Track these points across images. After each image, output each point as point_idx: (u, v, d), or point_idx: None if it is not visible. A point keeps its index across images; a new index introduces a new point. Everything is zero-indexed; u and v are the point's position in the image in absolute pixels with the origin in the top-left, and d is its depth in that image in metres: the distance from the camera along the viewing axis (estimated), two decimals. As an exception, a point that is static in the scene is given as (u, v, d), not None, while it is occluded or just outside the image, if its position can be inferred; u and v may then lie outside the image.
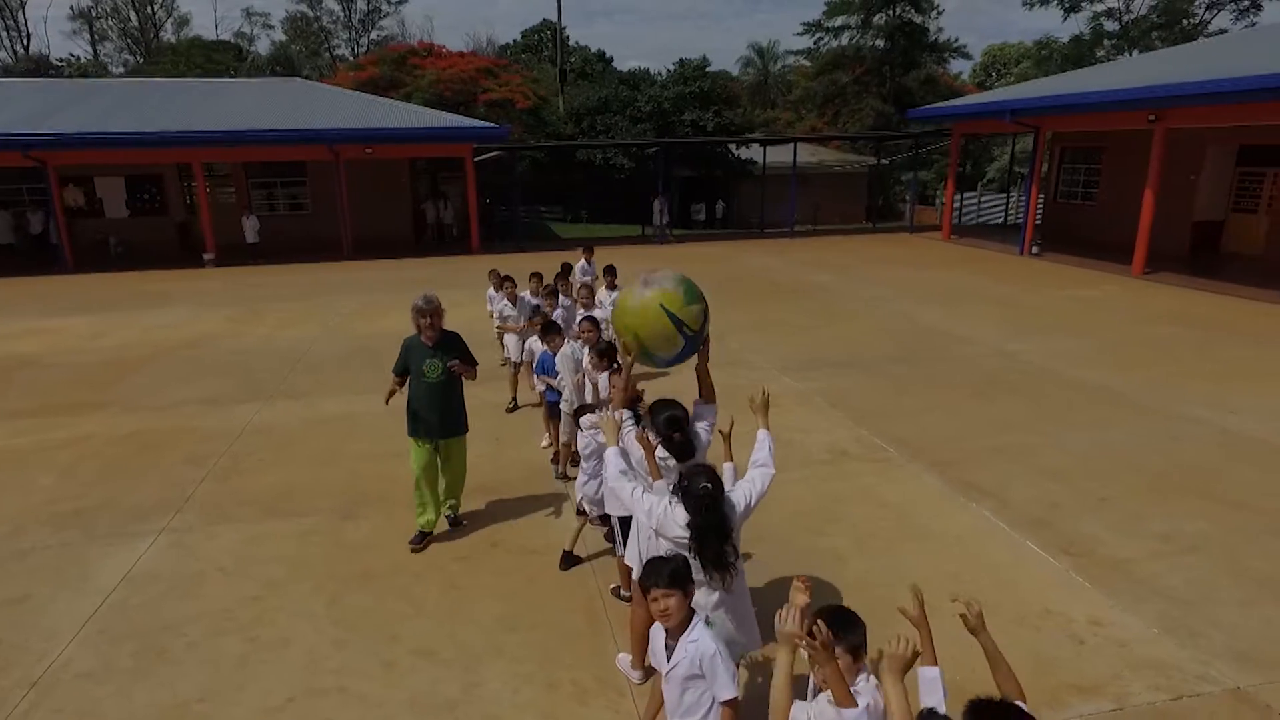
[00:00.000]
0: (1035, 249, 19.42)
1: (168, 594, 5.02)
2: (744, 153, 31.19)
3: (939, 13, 36.40)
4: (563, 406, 6.45)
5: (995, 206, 31.77)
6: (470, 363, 5.63)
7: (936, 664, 2.33)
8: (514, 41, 50.88)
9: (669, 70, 31.87)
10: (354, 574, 5.23)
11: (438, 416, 5.52)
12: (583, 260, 11.11)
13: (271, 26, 70.47)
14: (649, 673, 4.14)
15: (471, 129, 20.65)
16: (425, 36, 55.86)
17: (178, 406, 8.86)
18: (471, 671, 4.21)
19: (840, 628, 2.42)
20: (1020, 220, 27.37)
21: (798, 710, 2.44)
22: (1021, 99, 19.33)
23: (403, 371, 5.63)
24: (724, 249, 22.26)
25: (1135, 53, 34.18)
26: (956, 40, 38.99)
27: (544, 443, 7.42)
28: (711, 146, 29.41)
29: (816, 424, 8.01)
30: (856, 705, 2.27)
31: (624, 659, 4.24)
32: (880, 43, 36.57)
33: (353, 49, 57.73)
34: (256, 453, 7.38)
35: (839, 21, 37.12)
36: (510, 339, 8.61)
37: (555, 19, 38.19)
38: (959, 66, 44.63)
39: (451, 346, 5.55)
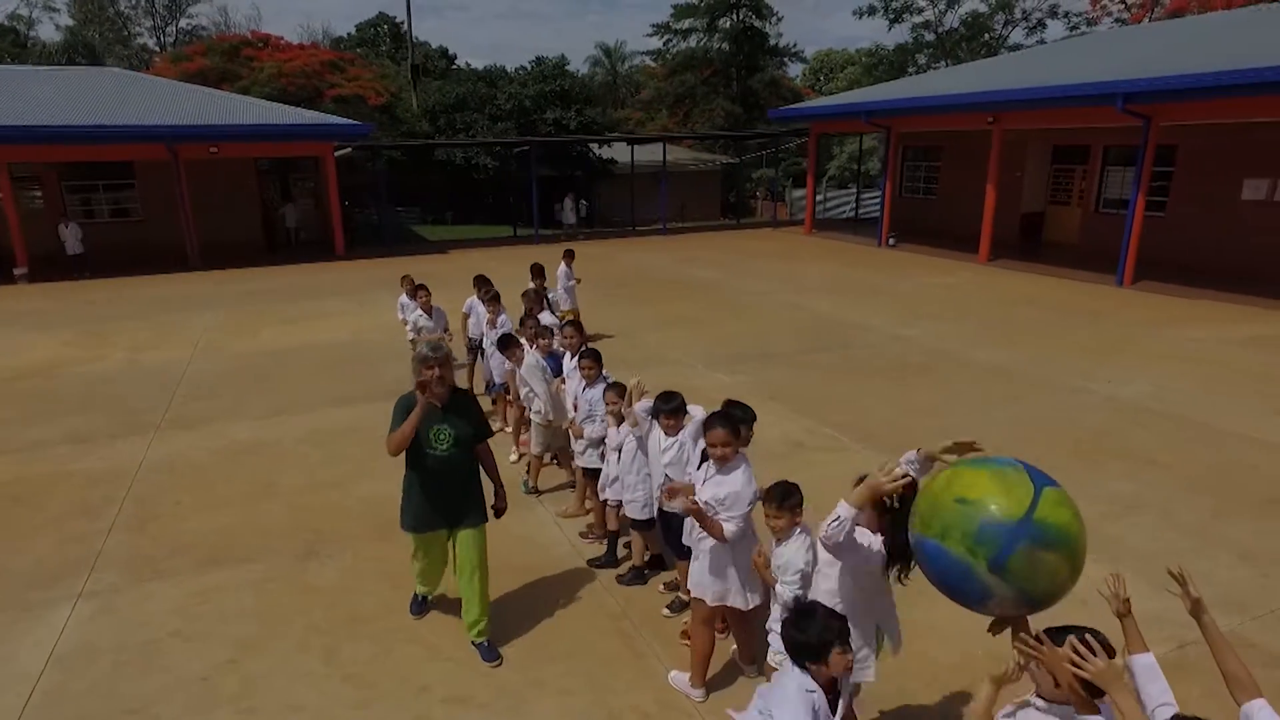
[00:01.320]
0: (892, 241, 20.92)
1: (119, 670, 4.26)
2: (605, 152, 31.32)
3: (778, 19, 38.35)
4: (534, 418, 6.13)
5: (839, 202, 33.92)
6: (487, 433, 4.38)
7: (1148, 649, 2.35)
8: (348, 35, 48.11)
9: (525, 68, 31.34)
10: (341, 621, 4.69)
11: (451, 500, 4.22)
12: (562, 265, 10.66)
13: (56, 9, 62.34)
14: (709, 689, 4.02)
15: (333, 126, 19.21)
16: (253, 26, 51.48)
17: (41, 448, 7.58)
18: (521, 713, 3.89)
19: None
20: (868, 215, 29.51)
21: None
22: (876, 101, 20.73)
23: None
24: (601, 247, 22.20)
25: (947, 62, 37.71)
26: (795, 45, 41.29)
27: (512, 457, 7.02)
28: (572, 146, 29.25)
29: (761, 417, 8.09)
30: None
31: (678, 678, 4.08)
32: (726, 46, 37.94)
33: (159, 38, 52.26)
34: (169, 494, 6.45)
35: (686, 24, 38.15)
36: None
37: (389, 12, 36.49)
38: (793, 70, 47.31)
39: (464, 410, 4.23)
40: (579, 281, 10.86)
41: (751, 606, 3.82)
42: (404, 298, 9.28)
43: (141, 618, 4.74)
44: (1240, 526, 5.69)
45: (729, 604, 3.80)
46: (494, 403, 8.44)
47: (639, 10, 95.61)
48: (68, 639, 4.55)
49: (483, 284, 8.19)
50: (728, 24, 37.60)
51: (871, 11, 38.12)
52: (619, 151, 31.47)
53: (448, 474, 4.18)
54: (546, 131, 28.71)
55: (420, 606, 4.78)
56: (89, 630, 4.63)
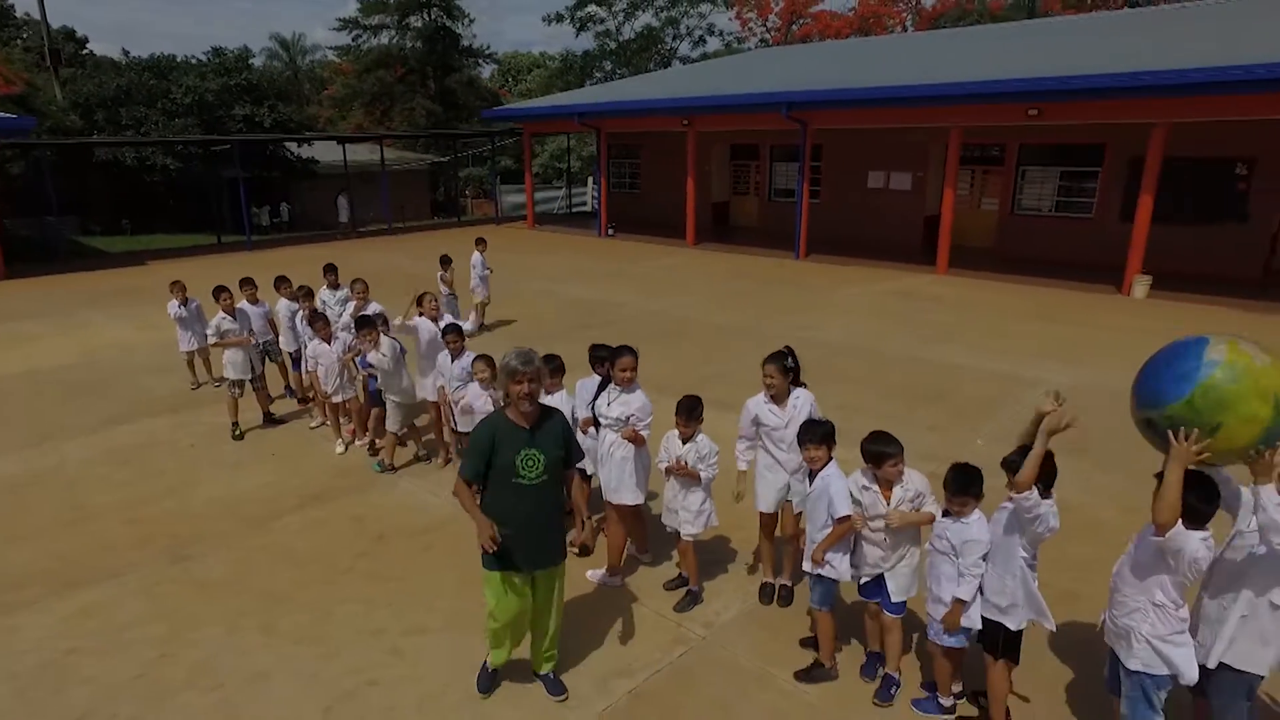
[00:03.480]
0: (611, 231, 23.02)
1: (26, 694, 4.03)
2: (305, 152, 29.53)
3: (470, 20, 38.93)
4: (393, 399, 6.51)
5: (546, 197, 35.75)
6: (579, 456, 3.92)
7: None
8: (-75, 6, 38.54)
9: (202, 60, 28.19)
10: (259, 603, 4.82)
11: (538, 538, 3.70)
12: (476, 253, 11.96)
13: None
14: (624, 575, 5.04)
15: (-22, 120, 15.93)
16: None
17: None
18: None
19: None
20: (581, 209, 31.65)
21: None
22: (588, 104, 22.56)
23: (481, 474, 3.61)
24: (335, 250, 21.24)
25: (628, 70, 41.44)
26: (488, 47, 42.21)
27: (339, 449, 7.18)
28: (267, 144, 27.15)
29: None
30: None
31: (594, 574, 5.04)
32: (419, 45, 37.64)
33: None
34: (-43, 536, 5.66)
35: (376, 20, 37.10)
36: (233, 355, 7.71)
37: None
38: (485, 72, 48.23)
39: (554, 431, 3.70)
40: (491, 271, 12.19)
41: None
42: (174, 304, 8.71)
43: (20, 647, 4.42)
44: (922, 412, 8.08)
45: (641, 500, 4.85)
46: (300, 401, 8.42)
47: (307, 2, 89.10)
48: (-66, 685, 4.13)
49: (283, 282, 8.18)
50: (419, 22, 37.34)
51: (559, 19, 40.49)
52: (318, 151, 29.87)
53: (537, 507, 3.64)
54: (237, 129, 26.29)
55: (490, 682, 4.01)
56: (-42, 671, 4.23)
